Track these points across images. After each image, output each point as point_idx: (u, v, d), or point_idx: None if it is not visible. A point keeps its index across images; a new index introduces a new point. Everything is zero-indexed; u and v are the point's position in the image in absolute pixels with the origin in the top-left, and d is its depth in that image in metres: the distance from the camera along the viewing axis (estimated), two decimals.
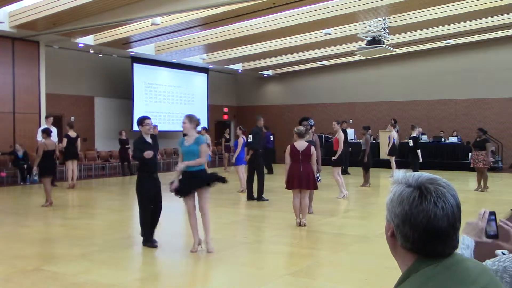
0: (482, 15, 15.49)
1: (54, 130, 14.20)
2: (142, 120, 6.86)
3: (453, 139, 19.18)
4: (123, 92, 19.67)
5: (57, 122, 15.22)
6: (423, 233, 1.22)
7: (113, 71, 19.71)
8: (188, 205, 6.32)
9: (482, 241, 1.86)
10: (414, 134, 14.18)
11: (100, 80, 19.34)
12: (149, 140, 6.84)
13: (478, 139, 12.71)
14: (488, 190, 12.46)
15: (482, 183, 12.62)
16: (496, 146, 19.08)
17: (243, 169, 12.23)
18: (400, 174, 1.31)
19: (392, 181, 1.31)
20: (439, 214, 1.21)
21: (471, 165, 12.95)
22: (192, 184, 6.21)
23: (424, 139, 18.88)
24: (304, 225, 7.99)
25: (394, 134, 16.27)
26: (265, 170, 16.82)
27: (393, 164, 15.90)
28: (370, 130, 15.11)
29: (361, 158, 13.46)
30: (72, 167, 13.42)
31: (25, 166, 14.50)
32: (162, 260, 6.34)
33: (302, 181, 7.95)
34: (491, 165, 13.38)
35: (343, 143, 11.38)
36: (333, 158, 11.19)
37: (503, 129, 20.09)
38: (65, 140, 13.41)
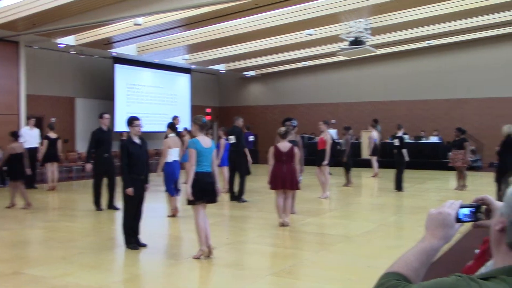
0: (463, 16, 15.71)
1: (36, 132, 14.02)
2: (131, 121, 6.76)
3: (433, 139, 19.41)
4: (105, 93, 19.48)
5: (38, 123, 14.99)
6: None
7: (94, 72, 19.51)
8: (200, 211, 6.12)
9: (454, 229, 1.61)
10: (399, 134, 14.31)
11: (81, 81, 19.12)
12: (138, 141, 6.78)
13: (456, 139, 12.98)
14: (466, 189, 12.65)
15: (461, 182, 12.85)
16: (476, 145, 19.36)
17: (227, 170, 12.20)
18: None
19: None
20: None
21: (449, 164, 13.20)
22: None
23: (406, 138, 19.05)
24: (287, 225, 8.03)
25: (374, 134, 16.38)
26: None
27: (374, 164, 16.03)
28: (351, 131, 15.21)
29: (341, 158, 13.55)
30: (52, 168, 13.26)
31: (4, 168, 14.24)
32: (144, 262, 6.29)
33: (285, 181, 8.00)
34: (470, 164, 13.60)
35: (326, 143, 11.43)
36: (324, 162, 11.26)
37: (483, 128, 20.36)
38: (45, 142, 13.24)
